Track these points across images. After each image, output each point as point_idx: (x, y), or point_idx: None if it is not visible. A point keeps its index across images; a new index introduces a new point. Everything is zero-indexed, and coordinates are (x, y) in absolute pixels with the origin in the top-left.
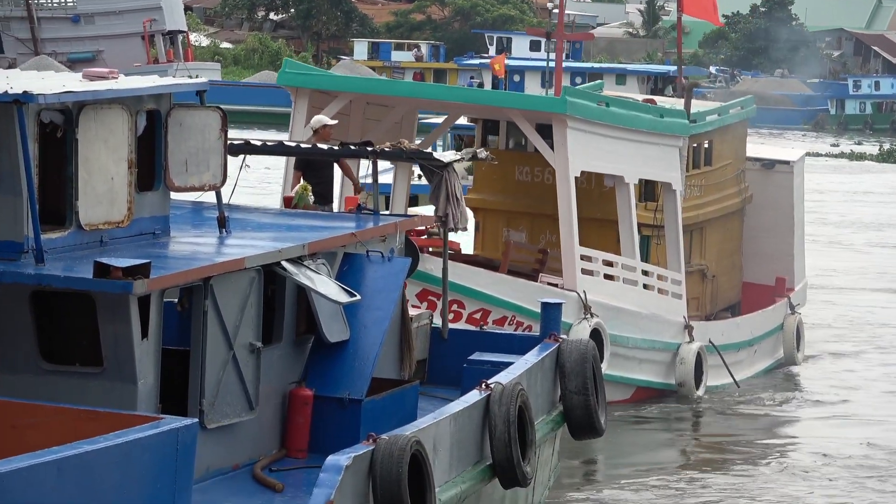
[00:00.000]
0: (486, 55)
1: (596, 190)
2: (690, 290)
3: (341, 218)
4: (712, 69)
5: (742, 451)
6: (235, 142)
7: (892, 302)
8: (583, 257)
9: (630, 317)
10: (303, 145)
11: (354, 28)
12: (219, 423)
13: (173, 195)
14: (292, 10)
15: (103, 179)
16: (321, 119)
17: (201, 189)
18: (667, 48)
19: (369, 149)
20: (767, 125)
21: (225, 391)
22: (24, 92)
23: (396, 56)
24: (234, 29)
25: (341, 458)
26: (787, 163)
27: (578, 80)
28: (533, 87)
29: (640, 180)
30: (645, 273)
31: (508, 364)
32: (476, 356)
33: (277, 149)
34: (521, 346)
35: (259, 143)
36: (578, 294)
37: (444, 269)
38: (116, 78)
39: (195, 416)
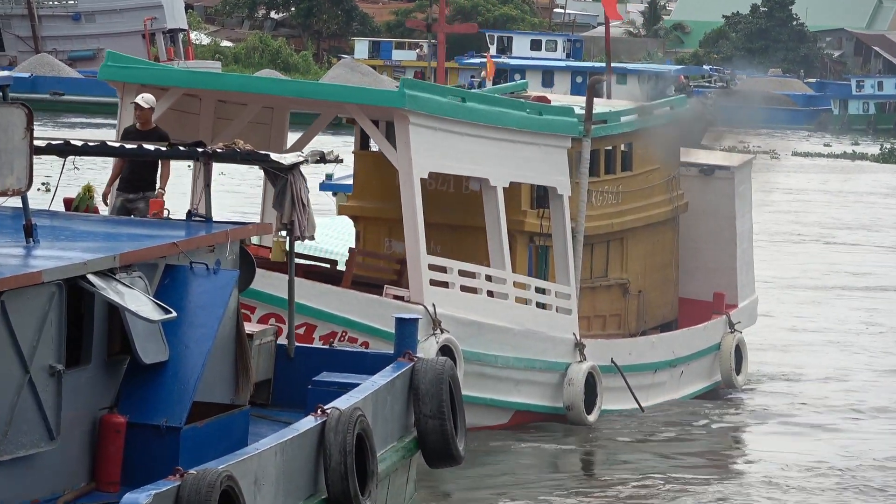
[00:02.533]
0: (486, 54)
1: (477, 196)
2: (609, 306)
3: (169, 226)
4: (706, 68)
5: (631, 481)
6: (54, 142)
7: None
8: (434, 267)
9: (496, 333)
10: (128, 145)
11: (355, 27)
12: (12, 455)
13: None
14: (293, 9)
15: None
16: (137, 99)
17: (4, 194)
18: (667, 48)
19: (200, 150)
20: (769, 125)
21: (20, 419)
22: None
23: (397, 55)
24: (235, 27)
25: (140, 497)
26: (727, 168)
27: (579, 78)
28: (534, 86)
29: (533, 186)
30: (520, 286)
31: (357, 385)
32: (323, 376)
33: (100, 149)
34: (373, 365)
35: (80, 143)
36: (426, 307)
37: (291, 281)
38: None
39: None
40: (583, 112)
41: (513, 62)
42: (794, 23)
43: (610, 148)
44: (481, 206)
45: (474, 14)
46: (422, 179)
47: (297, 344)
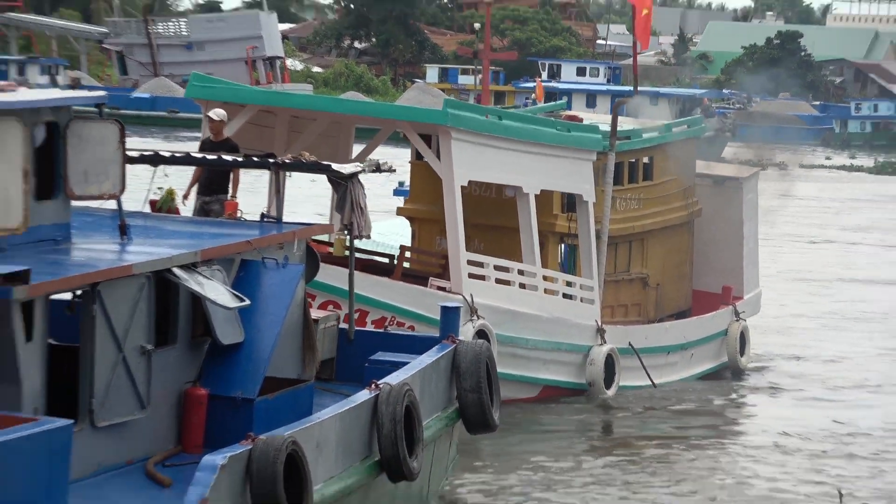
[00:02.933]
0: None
1: (513, 201)
2: (631, 297)
3: (245, 226)
4: (725, 92)
5: (646, 446)
6: (146, 153)
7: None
8: (473, 263)
9: (527, 320)
10: (209, 156)
11: (427, 55)
12: (109, 422)
13: (93, 203)
14: (374, 39)
15: None
16: (210, 113)
17: (101, 198)
18: (693, 74)
19: (271, 160)
20: (782, 142)
21: (115, 391)
22: None
23: (462, 79)
24: (324, 55)
25: (217, 458)
26: (736, 179)
27: (617, 99)
28: (579, 106)
29: (563, 193)
30: (549, 279)
31: (407, 363)
32: (378, 356)
33: (185, 159)
34: (421, 346)
35: (168, 154)
36: (464, 297)
37: (350, 274)
38: (14, 90)
39: (85, 416)
40: (609, 129)
41: (561, 86)
42: (802, 53)
43: (633, 160)
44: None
45: (529, 45)
46: (467, 186)
47: (355, 328)
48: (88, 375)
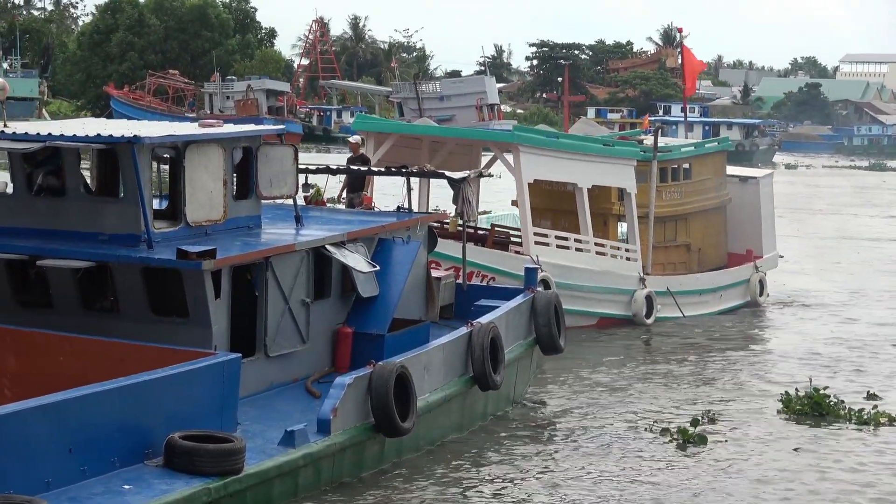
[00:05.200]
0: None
1: (587, 192)
2: (677, 258)
3: (383, 215)
4: (773, 121)
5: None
6: (320, 166)
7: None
8: (539, 234)
9: (581, 272)
10: (362, 168)
11: (588, 99)
12: (278, 353)
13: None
14: (554, 92)
15: (204, 192)
16: (349, 138)
17: (280, 197)
18: (754, 110)
19: (404, 170)
20: (811, 152)
21: (283, 331)
22: (134, 135)
23: (610, 115)
24: (524, 102)
25: (346, 379)
26: (755, 178)
27: (707, 128)
28: (682, 133)
29: (618, 187)
30: (599, 244)
31: (497, 307)
32: (481, 302)
33: (346, 170)
34: (512, 295)
35: (334, 167)
36: (531, 256)
37: (464, 246)
38: (220, 126)
39: (261, 349)
40: (663, 144)
41: (671, 119)
42: (821, 97)
43: (675, 166)
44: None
45: (651, 93)
46: (543, 184)
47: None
48: (263, 320)
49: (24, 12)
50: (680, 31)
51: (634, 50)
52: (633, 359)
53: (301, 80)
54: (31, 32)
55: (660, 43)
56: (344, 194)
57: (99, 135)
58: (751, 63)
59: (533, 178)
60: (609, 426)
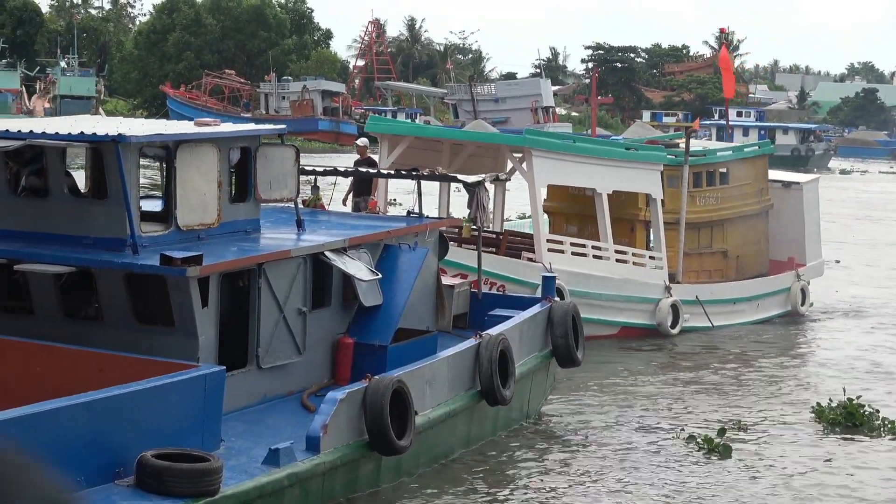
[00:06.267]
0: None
1: (614, 197)
2: (713, 265)
3: (390, 220)
4: (829, 126)
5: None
6: (327, 168)
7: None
8: (552, 240)
9: (599, 280)
10: (370, 170)
11: (643, 103)
12: (272, 364)
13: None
14: (610, 95)
15: (196, 194)
16: (357, 141)
17: (281, 201)
18: (810, 115)
19: (415, 173)
20: (867, 157)
21: (276, 341)
22: (119, 134)
23: (665, 119)
24: (579, 105)
25: (338, 394)
26: (798, 183)
27: (762, 132)
28: (738, 136)
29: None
30: (619, 252)
31: (511, 317)
32: (495, 311)
33: (354, 172)
34: (528, 304)
35: (343, 169)
36: (543, 264)
37: (479, 254)
38: (217, 125)
39: (253, 360)
40: (700, 148)
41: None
42: (878, 102)
43: (711, 171)
44: (613, 205)
45: (707, 97)
46: (565, 188)
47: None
48: (255, 330)
49: (83, 11)
50: (723, 31)
51: (690, 54)
52: (652, 368)
53: (356, 81)
54: (89, 31)
55: (715, 47)
56: (350, 198)
57: (82, 132)
58: (807, 68)
59: (546, 182)
60: (627, 434)
